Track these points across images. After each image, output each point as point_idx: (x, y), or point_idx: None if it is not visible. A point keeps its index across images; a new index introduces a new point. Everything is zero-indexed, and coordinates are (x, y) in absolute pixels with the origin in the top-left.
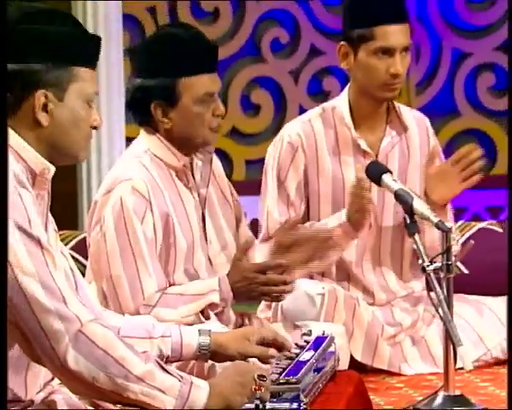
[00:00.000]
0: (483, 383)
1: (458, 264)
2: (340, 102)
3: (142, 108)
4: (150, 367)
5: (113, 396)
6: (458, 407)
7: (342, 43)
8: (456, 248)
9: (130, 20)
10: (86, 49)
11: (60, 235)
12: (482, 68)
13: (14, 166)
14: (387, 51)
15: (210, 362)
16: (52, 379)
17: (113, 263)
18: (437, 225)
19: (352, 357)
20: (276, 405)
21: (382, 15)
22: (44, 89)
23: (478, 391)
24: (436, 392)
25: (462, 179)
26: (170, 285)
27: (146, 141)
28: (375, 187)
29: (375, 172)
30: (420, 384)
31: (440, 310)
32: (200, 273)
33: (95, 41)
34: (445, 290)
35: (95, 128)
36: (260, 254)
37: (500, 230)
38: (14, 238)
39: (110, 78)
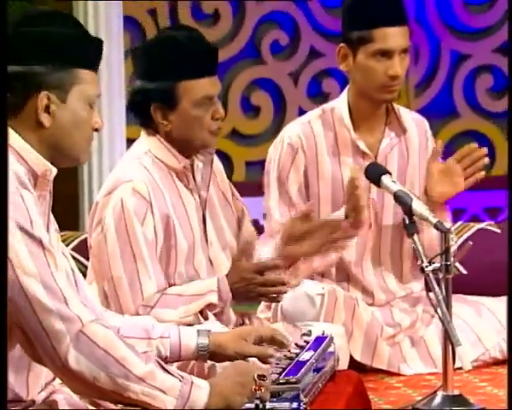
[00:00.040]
0: (481, 383)
1: (457, 264)
2: (340, 104)
3: (143, 111)
4: (151, 367)
5: (113, 396)
6: (457, 406)
7: (341, 45)
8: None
9: (130, 22)
10: (88, 52)
11: (61, 236)
12: (481, 70)
13: (16, 168)
14: (386, 53)
15: (210, 362)
16: (53, 379)
17: (113, 264)
18: (436, 226)
19: (351, 357)
20: (276, 404)
21: (381, 18)
22: (47, 90)
23: (476, 391)
24: (435, 392)
25: (465, 177)
26: (170, 286)
27: (147, 142)
28: (374, 188)
29: (375, 173)
30: (419, 384)
31: (439, 310)
32: (201, 274)
33: (97, 43)
34: (443, 291)
35: (96, 130)
36: (268, 247)
37: (498, 231)
38: (16, 239)
39: (111, 79)
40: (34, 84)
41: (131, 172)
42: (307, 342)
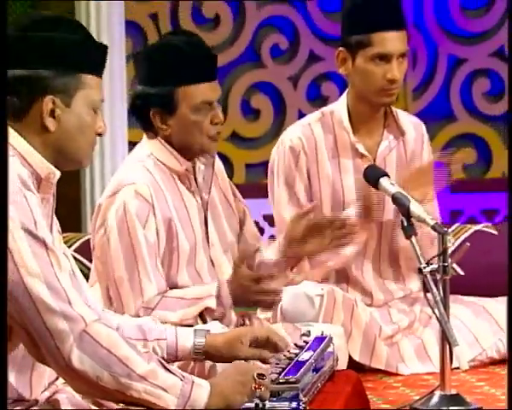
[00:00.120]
0: (478, 382)
1: (454, 266)
2: (339, 107)
3: (143, 115)
4: (153, 366)
5: (116, 395)
6: (454, 406)
7: (340, 49)
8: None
9: (132, 27)
10: (93, 57)
11: (63, 237)
12: (477, 74)
13: (19, 170)
14: (385, 57)
15: (211, 362)
16: (56, 379)
17: (116, 265)
18: (433, 228)
19: (350, 357)
20: (276, 404)
21: (380, 22)
22: (52, 95)
23: (473, 390)
24: (432, 391)
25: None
26: (173, 287)
27: (149, 145)
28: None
29: (373, 175)
30: (417, 384)
31: (437, 311)
32: (203, 275)
33: (102, 49)
34: (441, 292)
35: (100, 135)
36: (272, 248)
37: (495, 232)
38: (20, 239)
39: (113, 83)
40: (39, 88)
41: (134, 174)
42: (306, 343)
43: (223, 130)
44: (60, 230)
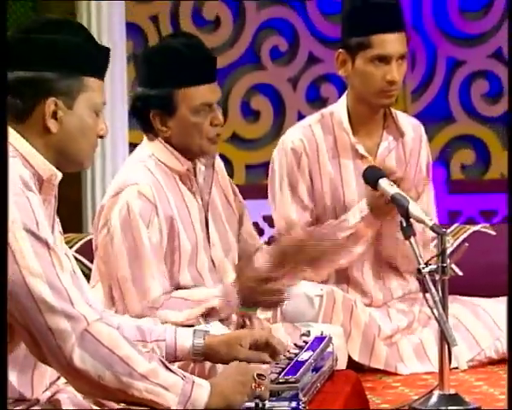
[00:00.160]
0: (477, 382)
1: (453, 266)
2: (339, 108)
3: (143, 117)
4: (154, 366)
5: (118, 394)
6: (453, 405)
7: (340, 50)
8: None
9: (133, 29)
10: (96, 60)
11: (65, 237)
12: (476, 76)
13: (21, 171)
14: (384, 59)
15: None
16: (58, 379)
17: (119, 266)
18: (432, 228)
19: (349, 357)
20: (276, 403)
21: (380, 24)
22: (55, 97)
23: (472, 390)
24: (431, 391)
25: None
26: (174, 287)
27: (150, 146)
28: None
29: (372, 176)
30: (416, 383)
31: (435, 311)
32: (204, 275)
33: (104, 52)
34: (440, 292)
35: (101, 137)
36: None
37: (493, 233)
38: (22, 240)
39: (113, 85)
40: (42, 90)
41: (136, 175)
42: (306, 343)
43: (223, 131)
44: (61, 230)
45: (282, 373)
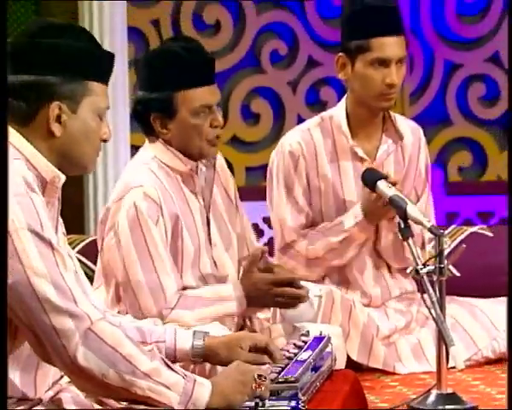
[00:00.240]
0: (474, 381)
1: (450, 267)
2: (338, 112)
3: (144, 120)
4: (156, 365)
5: (121, 392)
6: (450, 404)
7: (340, 54)
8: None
9: (134, 33)
10: (100, 65)
11: (67, 239)
12: (473, 79)
13: (24, 173)
14: (383, 62)
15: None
16: (60, 378)
17: (130, 268)
18: (430, 230)
19: (348, 357)
20: (275, 403)
21: (379, 27)
22: (59, 101)
23: (469, 389)
24: (429, 390)
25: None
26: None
27: (152, 148)
28: None
29: (371, 178)
30: (413, 383)
31: (433, 311)
32: (206, 275)
33: (109, 57)
34: (437, 292)
35: (104, 141)
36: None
37: (490, 234)
38: (26, 240)
39: (115, 88)
40: (47, 94)
41: (141, 177)
42: (305, 343)
43: (223, 133)
44: (65, 231)
45: (282, 373)
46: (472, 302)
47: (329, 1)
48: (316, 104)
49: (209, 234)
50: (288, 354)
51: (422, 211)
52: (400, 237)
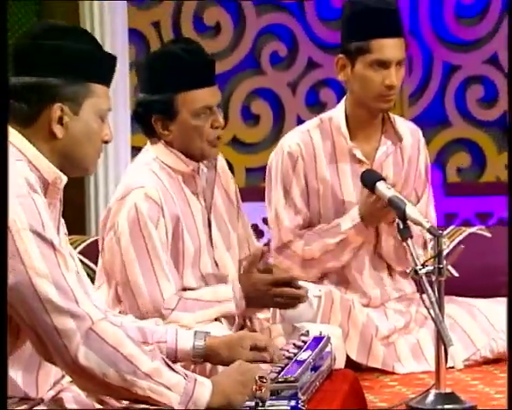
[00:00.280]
0: (473, 381)
1: (449, 267)
2: (337, 113)
3: (145, 122)
4: (157, 365)
5: (122, 392)
6: (449, 404)
7: (340, 55)
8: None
9: (135, 35)
10: (102, 67)
11: (69, 239)
12: (471, 81)
13: (26, 174)
14: (383, 64)
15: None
16: (62, 378)
17: (129, 268)
18: (429, 231)
19: (347, 356)
20: (275, 402)
21: (379, 29)
22: (61, 102)
23: (468, 389)
24: (428, 390)
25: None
26: (178, 289)
27: (154, 149)
28: None
29: (370, 179)
30: (412, 383)
31: (432, 312)
32: (207, 276)
33: (111, 59)
34: (436, 293)
35: (106, 142)
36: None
37: (489, 235)
38: (28, 241)
39: (116, 90)
40: (49, 95)
41: (142, 178)
42: (305, 342)
43: (223, 134)
44: (66, 232)
45: (282, 372)
46: (470, 302)
47: (329, 2)
48: (315, 105)
49: (210, 235)
50: (287, 354)
51: (422, 212)
52: (399, 237)
